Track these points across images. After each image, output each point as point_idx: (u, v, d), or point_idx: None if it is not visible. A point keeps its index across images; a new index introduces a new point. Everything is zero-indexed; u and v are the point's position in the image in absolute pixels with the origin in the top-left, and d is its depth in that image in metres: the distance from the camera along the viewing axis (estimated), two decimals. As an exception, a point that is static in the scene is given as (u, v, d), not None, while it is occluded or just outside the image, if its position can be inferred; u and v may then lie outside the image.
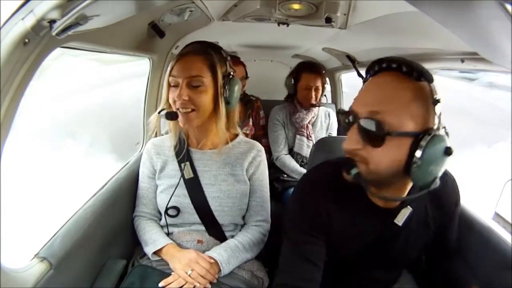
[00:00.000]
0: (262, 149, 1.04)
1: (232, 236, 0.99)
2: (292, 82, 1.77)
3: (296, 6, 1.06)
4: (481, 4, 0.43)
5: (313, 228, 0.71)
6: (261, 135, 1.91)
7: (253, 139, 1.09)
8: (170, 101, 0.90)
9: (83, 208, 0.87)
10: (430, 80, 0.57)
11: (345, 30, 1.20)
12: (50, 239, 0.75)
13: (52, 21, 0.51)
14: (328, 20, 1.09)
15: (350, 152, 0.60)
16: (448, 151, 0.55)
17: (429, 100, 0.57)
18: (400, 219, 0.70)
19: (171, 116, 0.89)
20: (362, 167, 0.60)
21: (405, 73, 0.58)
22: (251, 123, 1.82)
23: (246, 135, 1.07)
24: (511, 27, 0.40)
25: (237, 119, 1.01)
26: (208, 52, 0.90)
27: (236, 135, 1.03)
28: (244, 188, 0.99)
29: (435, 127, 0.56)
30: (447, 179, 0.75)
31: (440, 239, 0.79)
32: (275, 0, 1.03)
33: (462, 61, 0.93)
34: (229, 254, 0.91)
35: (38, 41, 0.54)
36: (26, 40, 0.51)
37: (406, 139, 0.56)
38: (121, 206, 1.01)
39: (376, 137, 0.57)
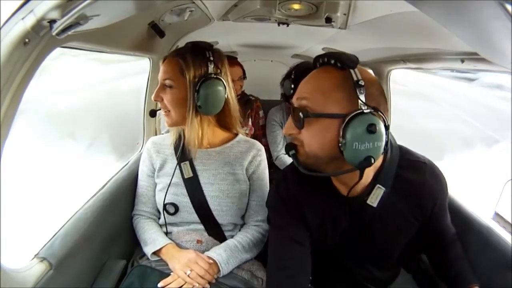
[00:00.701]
0: (262, 148, 1.04)
1: (232, 236, 0.99)
2: (291, 85, 1.75)
3: (296, 6, 1.06)
4: (481, 4, 0.43)
5: (293, 215, 0.76)
6: (261, 134, 1.91)
7: (253, 138, 1.08)
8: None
9: (83, 208, 0.87)
10: (351, 66, 0.62)
11: (345, 30, 1.20)
12: (50, 239, 0.75)
13: (52, 21, 0.51)
14: (328, 20, 1.09)
15: (289, 137, 0.68)
16: (371, 128, 0.58)
17: (351, 85, 0.60)
18: (373, 200, 0.71)
19: (152, 113, 1.02)
20: (301, 150, 0.67)
21: (333, 65, 0.64)
22: (250, 123, 1.81)
23: (246, 135, 1.07)
24: (511, 27, 0.41)
25: (237, 119, 1.01)
26: (183, 53, 0.89)
27: (236, 134, 1.03)
28: (243, 188, 0.99)
29: (363, 108, 0.59)
30: (426, 169, 0.73)
31: (433, 231, 0.79)
32: (275, 0, 1.03)
33: (462, 61, 0.93)
34: (228, 254, 0.91)
35: (38, 41, 0.54)
36: (26, 40, 0.51)
37: (334, 121, 0.61)
38: (121, 206, 1.01)
39: (298, 120, 0.64)
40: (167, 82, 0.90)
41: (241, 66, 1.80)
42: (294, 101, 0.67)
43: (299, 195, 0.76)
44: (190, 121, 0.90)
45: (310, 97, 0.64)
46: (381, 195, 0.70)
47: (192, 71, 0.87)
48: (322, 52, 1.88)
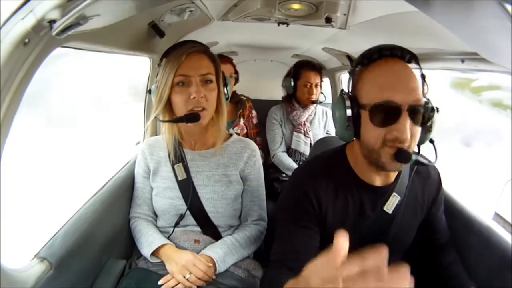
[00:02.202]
0: (257, 148, 1.03)
1: None
2: (291, 82, 1.78)
3: (296, 6, 1.06)
4: (481, 4, 0.43)
5: (306, 219, 0.74)
6: (255, 133, 1.90)
7: (246, 138, 1.08)
8: (179, 101, 0.86)
9: (83, 208, 0.87)
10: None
11: (345, 30, 1.20)
12: (50, 239, 0.75)
13: (52, 21, 0.51)
14: (328, 20, 1.09)
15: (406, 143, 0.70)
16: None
17: None
18: (389, 207, 0.74)
19: (194, 117, 0.85)
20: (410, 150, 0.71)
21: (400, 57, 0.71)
22: (241, 122, 1.81)
23: (237, 134, 1.07)
24: (511, 27, 0.41)
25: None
26: (208, 50, 0.92)
27: (230, 135, 1.03)
28: (238, 189, 0.98)
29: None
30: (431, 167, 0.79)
31: (430, 229, 0.81)
32: (275, 0, 1.03)
33: (462, 61, 0.93)
34: (225, 251, 0.90)
35: (38, 41, 0.54)
36: (26, 40, 0.51)
37: None
38: (120, 206, 1.01)
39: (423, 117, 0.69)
40: (209, 76, 0.87)
41: (233, 65, 1.78)
42: (409, 100, 0.62)
43: (320, 197, 0.73)
44: (224, 115, 0.93)
45: (419, 91, 0.64)
46: (397, 203, 0.74)
47: (220, 67, 0.92)
48: (322, 52, 1.90)
